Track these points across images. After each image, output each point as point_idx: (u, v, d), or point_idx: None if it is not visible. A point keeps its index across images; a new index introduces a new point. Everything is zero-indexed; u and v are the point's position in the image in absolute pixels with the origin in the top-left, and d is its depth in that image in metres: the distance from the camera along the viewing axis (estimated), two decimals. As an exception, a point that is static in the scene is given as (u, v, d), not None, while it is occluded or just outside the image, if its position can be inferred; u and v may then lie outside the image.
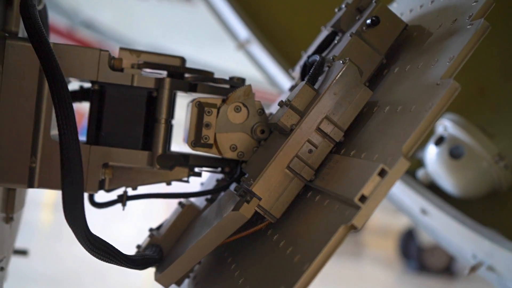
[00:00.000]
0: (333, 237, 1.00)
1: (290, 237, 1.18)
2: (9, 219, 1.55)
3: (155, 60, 1.50)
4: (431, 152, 2.35)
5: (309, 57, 1.54)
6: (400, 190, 2.54)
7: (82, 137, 1.50)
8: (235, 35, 3.29)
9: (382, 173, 1.00)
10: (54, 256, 7.08)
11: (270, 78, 3.24)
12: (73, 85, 1.66)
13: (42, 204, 10.04)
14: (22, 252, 2.36)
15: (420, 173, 2.46)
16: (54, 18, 10.87)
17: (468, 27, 1.15)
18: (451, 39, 1.19)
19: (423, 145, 2.43)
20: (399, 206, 2.77)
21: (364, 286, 8.38)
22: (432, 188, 2.44)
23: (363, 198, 1.00)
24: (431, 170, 2.38)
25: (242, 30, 3.14)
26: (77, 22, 11.62)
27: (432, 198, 2.36)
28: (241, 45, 3.22)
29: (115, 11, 11.50)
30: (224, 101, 1.45)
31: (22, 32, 1.48)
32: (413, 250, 9.49)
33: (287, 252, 1.13)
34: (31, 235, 7.54)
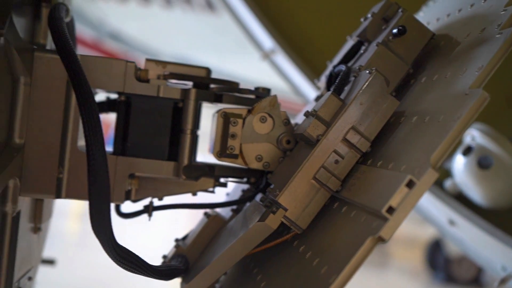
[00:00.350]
0: (360, 249, 0.99)
1: (316, 248, 1.17)
2: (37, 229, 1.57)
3: (180, 71, 1.51)
4: (459, 162, 2.32)
5: (334, 67, 1.53)
6: (428, 201, 2.51)
7: (109, 148, 1.51)
8: (259, 45, 3.30)
9: (410, 184, 0.98)
10: (80, 265, 7.13)
11: (295, 88, 3.24)
12: (100, 96, 1.68)
13: (69, 214, 10.13)
14: (49, 262, 2.38)
15: (448, 183, 2.43)
16: (81, 30, 11.02)
17: (497, 36, 1.14)
18: (480, 48, 1.18)
19: (451, 155, 2.40)
20: (426, 216, 2.74)
21: (391, 297, 8.29)
22: (460, 199, 2.41)
23: (390, 210, 0.98)
24: (459, 180, 2.34)
25: (266, 40, 3.15)
26: (103, 34, 11.76)
27: (460, 209, 2.33)
28: (266, 55, 3.22)
29: (141, 22, 11.61)
30: (249, 111, 1.45)
31: (50, 45, 1.50)
32: (440, 261, 9.36)
33: (314, 263, 1.12)
34: (57, 244, 7.62)
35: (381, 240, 0.99)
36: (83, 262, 7.21)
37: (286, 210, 1.21)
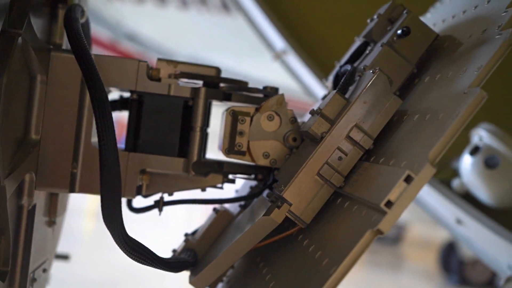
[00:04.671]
0: (360, 242, 1.03)
1: (319, 241, 1.21)
2: (51, 223, 1.62)
3: (191, 70, 1.56)
4: (466, 162, 2.35)
5: (341, 67, 1.57)
6: (436, 200, 2.53)
7: (121, 145, 1.56)
8: (271, 46, 3.34)
9: (408, 179, 1.02)
10: (95, 263, 7.21)
11: (305, 87, 3.28)
12: (113, 94, 1.73)
13: (85, 212, 10.23)
14: (64, 257, 2.43)
15: (455, 183, 2.45)
16: (98, 31, 11.12)
17: (497, 37, 1.17)
18: (480, 49, 1.21)
19: (458, 155, 2.42)
20: (434, 216, 2.76)
21: (404, 299, 8.28)
22: (468, 198, 2.43)
23: (389, 204, 1.02)
24: (466, 180, 2.37)
25: (278, 41, 3.19)
26: (120, 35, 11.86)
27: (468, 208, 2.35)
28: (278, 56, 3.26)
29: (157, 24, 11.69)
30: (257, 109, 1.49)
31: (66, 44, 1.55)
32: (454, 263, 9.34)
33: (316, 256, 1.16)
34: (73, 242, 7.70)
35: (380, 233, 1.02)
36: (97, 260, 7.29)
37: (290, 204, 1.25)
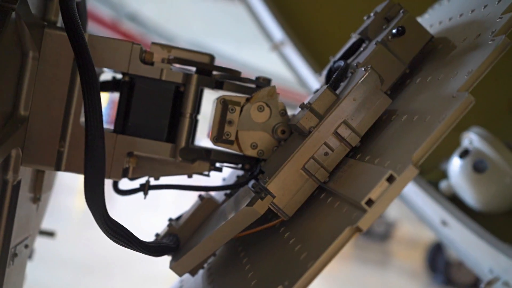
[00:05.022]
0: (338, 238, 1.03)
1: (300, 235, 1.22)
2: (36, 199, 1.62)
3: (185, 56, 1.55)
4: (455, 164, 2.36)
5: (334, 62, 1.57)
6: (422, 200, 2.54)
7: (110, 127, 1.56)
8: (270, 36, 3.33)
9: (390, 179, 1.03)
10: (86, 243, 7.22)
11: (301, 80, 3.27)
12: (107, 75, 1.73)
13: (75, 190, 10.24)
14: (49, 234, 2.44)
15: (443, 184, 2.46)
16: (101, 10, 11.07)
17: (490, 42, 1.17)
18: (472, 53, 1.21)
19: (448, 156, 2.43)
20: (420, 216, 2.77)
21: (389, 295, 8.33)
22: (454, 200, 2.44)
23: (369, 202, 1.03)
24: (454, 182, 2.38)
25: (277, 32, 3.18)
26: (122, 14, 11.81)
27: (453, 210, 2.36)
28: (276, 46, 3.25)
29: (160, 6, 11.65)
30: (248, 100, 1.49)
31: (61, 22, 1.55)
32: (440, 264, 9.39)
33: (296, 249, 1.17)
34: (64, 221, 7.71)
35: (359, 230, 1.03)
36: (88, 240, 7.30)
37: (274, 197, 1.26)
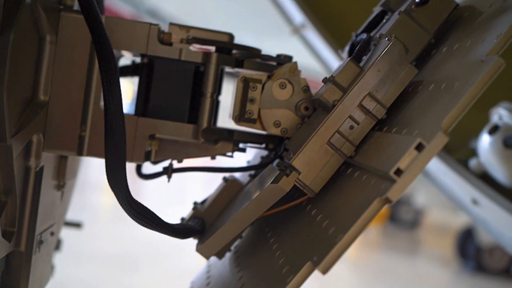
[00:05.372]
0: (367, 210, 1.00)
1: (327, 211, 1.19)
2: (60, 186, 1.61)
3: (203, 36, 1.53)
4: (485, 141, 2.30)
5: (357, 36, 1.53)
6: (452, 180, 2.49)
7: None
8: (290, 20, 3.29)
9: (419, 147, 0.99)
10: (114, 238, 7.29)
11: (323, 63, 3.23)
12: (126, 60, 1.71)
13: (103, 187, 10.32)
14: (76, 225, 2.44)
15: (473, 162, 2.41)
16: (121, 6, 11.11)
17: (519, 4, 1.13)
18: (501, 17, 1.17)
19: (477, 134, 2.37)
20: (450, 196, 2.72)
21: (419, 284, 8.26)
22: (485, 178, 2.38)
23: (398, 172, 0.99)
24: (484, 159, 2.32)
25: (297, 15, 3.14)
26: (142, 10, 11.84)
27: (484, 188, 2.31)
28: (296, 30, 3.21)
29: (180, 0, 11.65)
30: (269, 77, 1.46)
31: (77, 6, 1.53)
32: (471, 250, 9.29)
33: (323, 225, 1.14)
34: (92, 217, 7.77)
35: (388, 201, 0.99)
36: (117, 235, 7.36)
37: (299, 173, 1.23)
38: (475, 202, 2.38)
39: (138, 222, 1.24)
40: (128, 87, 2.50)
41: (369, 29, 1.55)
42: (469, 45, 1.20)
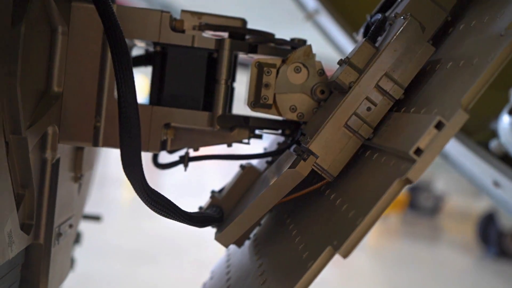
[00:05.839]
0: (387, 191, 0.98)
1: (346, 195, 1.17)
2: (77, 178, 1.61)
3: (216, 22, 1.51)
4: (505, 122, 2.26)
5: (371, 16, 1.51)
6: (473, 162, 2.46)
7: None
8: (303, 6, 3.26)
9: (439, 126, 0.96)
10: (134, 232, 7.32)
11: (338, 48, 3.20)
12: (138, 50, 1.70)
13: (122, 182, 10.38)
14: (96, 218, 2.45)
15: (493, 144, 2.37)
16: (133, 1, 11.12)
17: (539, -24, 1.09)
18: (520, -9, 1.14)
19: (497, 115, 2.34)
20: (471, 179, 2.69)
21: (441, 271, 8.21)
22: (506, 160, 2.35)
23: (418, 151, 0.97)
24: (504, 140, 2.28)
25: (310, 0, 3.11)
26: (155, 4, 11.86)
27: (506, 170, 2.27)
28: (310, 16, 3.18)
29: (193, -6, 11.63)
30: (284, 61, 1.44)
31: (88, -4, 1.52)
32: (493, 235, 9.21)
33: (343, 208, 1.12)
34: (112, 212, 7.82)
35: (409, 182, 0.97)
36: (136, 230, 7.40)
37: (317, 157, 1.21)
38: (496, 184, 2.35)
39: (155, 211, 1.23)
40: (143, 81, 2.49)
41: (384, 9, 1.52)
42: (487, 21, 1.17)
